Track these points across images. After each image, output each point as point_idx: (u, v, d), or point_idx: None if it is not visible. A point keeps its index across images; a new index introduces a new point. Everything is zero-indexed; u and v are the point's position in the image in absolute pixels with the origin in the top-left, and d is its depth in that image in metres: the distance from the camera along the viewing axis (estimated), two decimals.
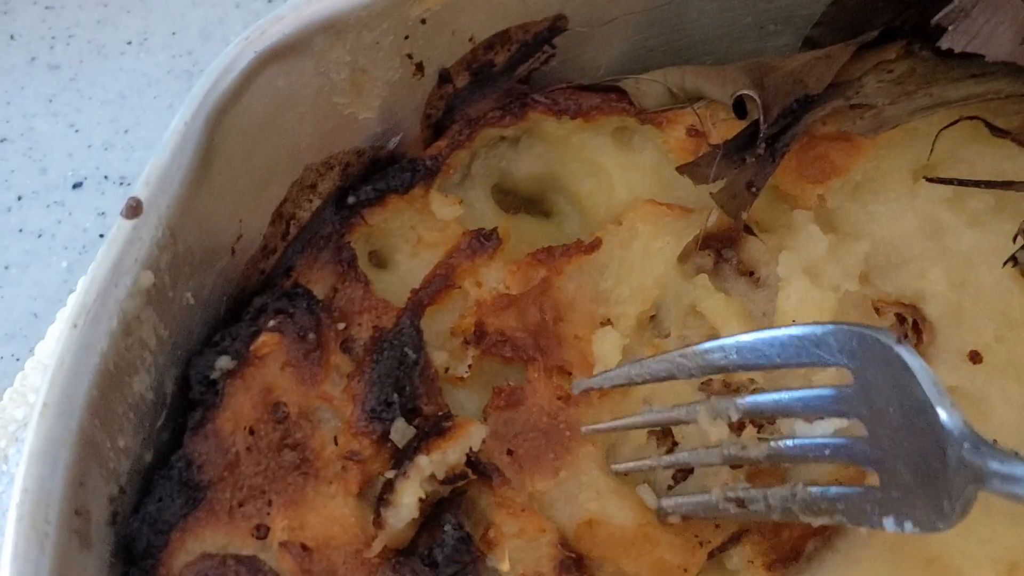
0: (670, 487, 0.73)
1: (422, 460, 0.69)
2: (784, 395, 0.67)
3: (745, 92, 0.77)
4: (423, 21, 0.74)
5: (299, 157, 0.74)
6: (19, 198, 1.04)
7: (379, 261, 0.79)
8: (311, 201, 0.76)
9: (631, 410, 0.74)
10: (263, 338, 0.72)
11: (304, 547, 0.68)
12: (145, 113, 1.07)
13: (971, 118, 0.78)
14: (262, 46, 0.68)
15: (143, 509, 0.68)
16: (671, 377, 0.70)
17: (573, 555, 0.69)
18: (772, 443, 0.68)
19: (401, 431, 0.71)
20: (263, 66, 0.69)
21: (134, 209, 0.66)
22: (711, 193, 0.76)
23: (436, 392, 0.73)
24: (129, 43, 1.10)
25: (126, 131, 1.07)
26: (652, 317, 0.78)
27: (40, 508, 0.60)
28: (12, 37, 1.10)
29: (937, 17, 0.73)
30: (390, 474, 0.69)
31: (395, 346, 0.73)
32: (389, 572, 0.68)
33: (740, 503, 0.69)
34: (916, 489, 0.62)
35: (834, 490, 0.67)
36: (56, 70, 1.09)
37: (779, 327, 0.67)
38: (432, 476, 0.69)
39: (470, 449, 0.70)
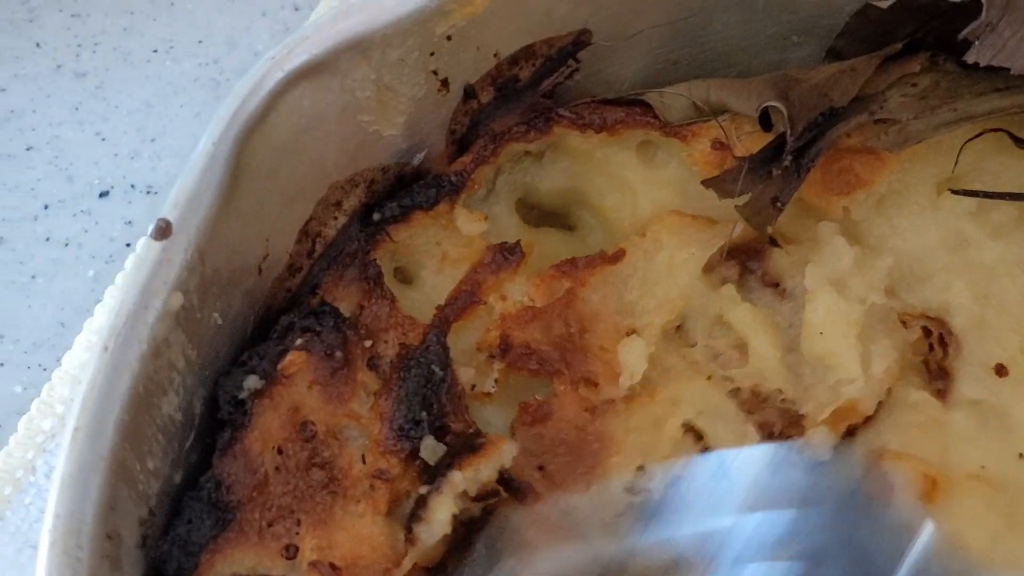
0: None
1: (456, 476, 0.69)
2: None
3: (772, 104, 0.77)
4: (448, 38, 0.73)
5: (324, 175, 0.74)
6: (45, 207, 1.04)
7: (404, 277, 0.79)
8: (336, 218, 0.76)
9: (659, 417, 0.73)
10: (290, 357, 0.72)
11: (333, 566, 0.68)
12: (171, 122, 1.07)
13: (995, 130, 0.78)
14: (289, 66, 0.68)
15: (173, 531, 0.68)
16: None
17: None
18: None
19: (432, 448, 0.71)
20: (290, 86, 0.68)
21: (163, 231, 0.65)
22: (736, 206, 0.75)
23: (463, 410, 0.73)
24: (155, 51, 1.10)
25: (152, 140, 1.07)
26: (678, 327, 0.78)
27: (72, 534, 0.60)
28: (38, 45, 1.10)
29: (964, 32, 0.73)
30: (423, 490, 0.69)
31: (422, 364, 0.73)
32: None
33: None
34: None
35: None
36: (82, 78, 1.09)
37: None
38: (464, 493, 0.69)
39: (502, 466, 0.70)
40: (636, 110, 0.81)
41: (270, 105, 0.68)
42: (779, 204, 0.75)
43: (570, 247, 0.81)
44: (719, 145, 0.79)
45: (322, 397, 0.72)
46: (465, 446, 0.71)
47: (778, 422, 0.73)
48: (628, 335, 0.75)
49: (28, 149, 1.06)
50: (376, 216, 0.77)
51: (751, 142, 0.78)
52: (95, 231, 1.03)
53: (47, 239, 1.03)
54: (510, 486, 0.71)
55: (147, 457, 0.66)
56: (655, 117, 0.80)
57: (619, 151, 0.81)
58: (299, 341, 0.72)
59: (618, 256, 0.77)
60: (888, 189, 0.79)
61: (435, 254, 0.78)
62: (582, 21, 0.78)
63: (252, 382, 0.71)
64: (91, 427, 0.62)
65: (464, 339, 0.76)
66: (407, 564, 0.68)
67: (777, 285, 0.78)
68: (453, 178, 0.78)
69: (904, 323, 0.77)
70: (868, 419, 0.74)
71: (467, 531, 0.70)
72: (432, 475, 0.70)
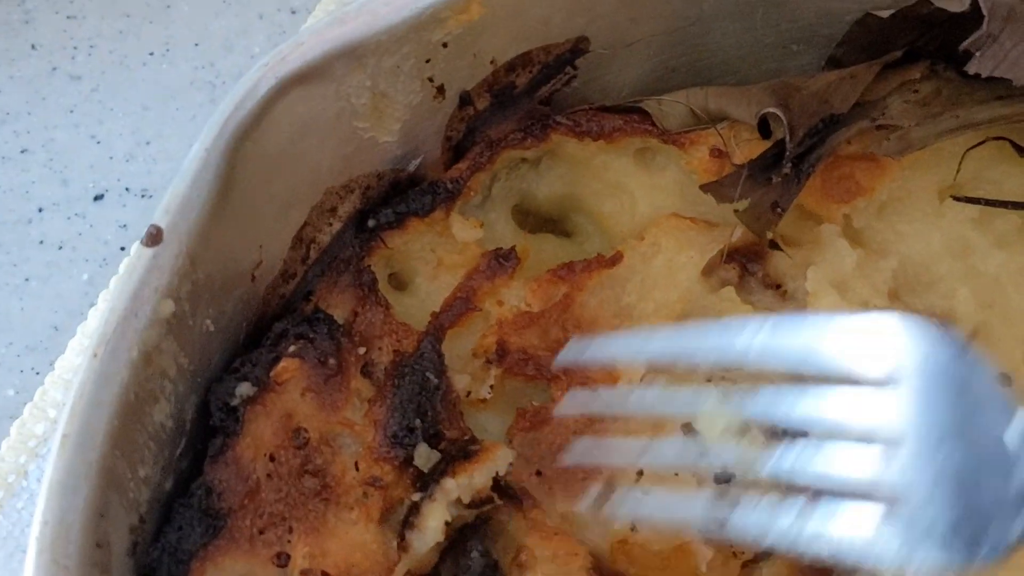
0: None
1: (449, 483, 0.68)
2: (810, 396, 0.58)
3: (771, 111, 0.76)
4: (444, 44, 0.73)
5: (319, 181, 0.74)
6: (40, 210, 1.04)
7: (399, 284, 0.79)
8: (331, 225, 0.76)
9: (660, 422, 0.72)
10: (283, 364, 0.71)
11: (325, 575, 0.67)
12: (167, 125, 1.07)
13: (998, 139, 0.78)
14: (283, 72, 0.68)
15: (163, 538, 0.67)
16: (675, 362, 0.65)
17: None
18: (781, 455, 0.59)
19: (426, 455, 0.70)
20: (283, 92, 0.68)
21: (154, 237, 0.65)
22: (736, 211, 0.75)
23: (458, 417, 0.73)
24: (151, 54, 1.10)
25: (148, 143, 1.06)
26: None
27: (60, 541, 0.60)
28: (33, 47, 1.10)
29: (966, 43, 0.72)
30: (416, 497, 0.69)
31: (416, 371, 0.72)
32: None
33: (723, 525, 0.62)
34: (949, 520, 0.54)
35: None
36: (78, 80, 1.09)
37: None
38: (458, 500, 0.68)
39: (496, 473, 0.69)
40: (634, 117, 0.80)
41: (263, 111, 0.68)
42: (779, 210, 0.74)
43: (567, 253, 0.81)
44: (717, 153, 0.78)
45: (315, 404, 0.71)
46: (459, 453, 0.70)
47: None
48: None
49: (23, 152, 1.06)
50: (371, 222, 0.77)
51: (749, 150, 0.78)
52: (89, 234, 1.03)
53: (41, 242, 1.03)
54: (506, 493, 0.70)
55: (138, 464, 0.65)
56: (653, 124, 0.80)
57: (617, 158, 0.80)
58: (292, 348, 0.72)
59: (616, 259, 0.77)
60: (889, 196, 0.78)
61: (430, 260, 0.78)
62: (580, 29, 0.77)
63: (244, 389, 0.71)
64: (80, 434, 0.62)
65: (459, 345, 0.75)
66: (400, 572, 0.68)
67: (778, 287, 0.77)
68: (449, 185, 0.78)
69: None
70: None
71: (462, 537, 0.70)
72: (425, 482, 0.69)
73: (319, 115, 0.71)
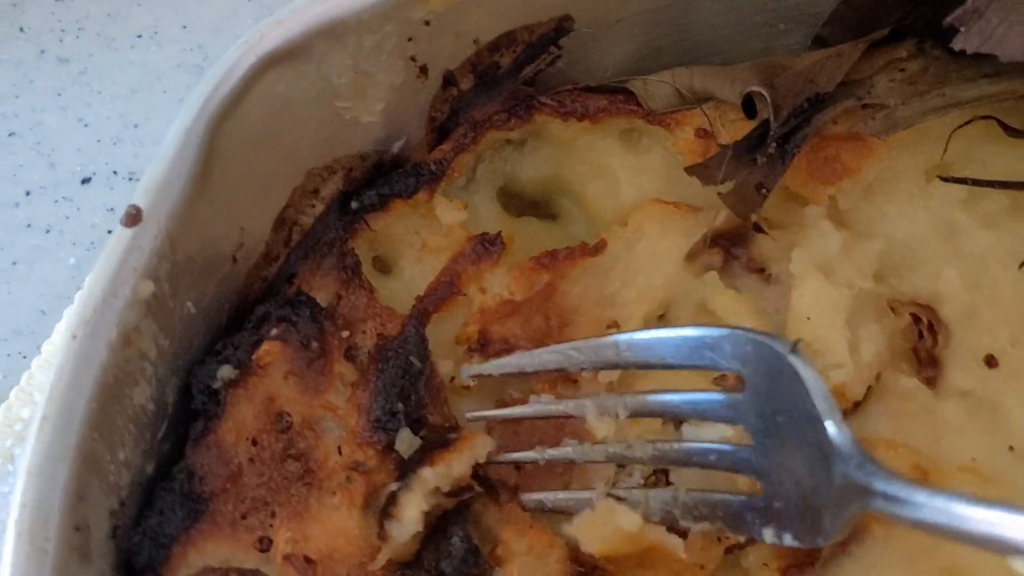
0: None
1: (426, 472, 0.68)
2: (673, 396, 0.67)
3: (755, 89, 0.75)
4: (426, 23, 0.72)
5: (301, 162, 0.73)
6: (27, 193, 1.03)
7: (383, 267, 0.78)
8: (314, 206, 0.75)
9: None
10: (265, 347, 0.71)
11: (308, 560, 0.67)
12: (155, 108, 1.06)
13: (985, 118, 0.77)
14: (262, 51, 0.67)
15: (144, 522, 0.67)
16: (562, 369, 0.70)
17: (583, 570, 0.68)
18: (657, 445, 0.68)
19: (407, 442, 0.70)
20: (263, 71, 0.67)
21: (133, 217, 0.65)
22: (720, 194, 0.75)
23: (442, 402, 0.72)
24: (139, 36, 1.09)
25: (136, 126, 1.06)
26: (661, 316, 0.77)
27: (39, 525, 0.59)
28: (21, 30, 1.09)
29: (950, 18, 0.71)
30: (394, 486, 0.68)
31: (400, 355, 0.72)
32: None
33: (619, 501, 0.68)
34: (798, 503, 0.62)
35: (715, 496, 0.67)
36: (65, 63, 1.08)
37: (676, 328, 0.67)
38: (437, 489, 0.68)
39: (476, 462, 0.69)
40: (619, 98, 0.80)
41: (243, 91, 0.67)
42: (764, 191, 0.74)
43: (552, 236, 0.80)
44: (703, 133, 0.78)
45: (298, 388, 0.71)
46: (439, 440, 0.69)
47: None
48: (609, 327, 0.74)
49: (10, 135, 1.06)
50: (354, 204, 0.76)
51: (736, 130, 0.77)
52: (77, 218, 1.02)
53: (28, 225, 1.02)
54: (485, 482, 0.69)
55: (118, 447, 0.65)
56: (638, 105, 0.79)
57: (601, 138, 0.80)
58: (275, 331, 0.71)
59: (599, 247, 0.76)
60: (876, 177, 0.78)
61: (414, 243, 0.77)
62: (563, 7, 0.77)
63: (226, 372, 0.70)
64: (59, 417, 0.61)
65: (443, 331, 0.75)
66: (381, 560, 0.67)
67: (762, 271, 0.77)
68: (433, 166, 0.77)
69: (893, 309, 0.76)
70: (858, 405, 0.73)
71: (444, 523, 0.69)
72: (404, 471, 0.69)
73: (299, 95, 0.70)
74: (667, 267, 0.76)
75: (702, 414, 0.67)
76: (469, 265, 0.75)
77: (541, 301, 0.75)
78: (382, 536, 0.67)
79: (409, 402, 0.71)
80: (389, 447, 0.70)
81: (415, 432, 0.70)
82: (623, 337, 0.68)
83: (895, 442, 0.72)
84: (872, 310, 0.75)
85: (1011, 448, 0.72)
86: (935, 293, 0.76)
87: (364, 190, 0.77)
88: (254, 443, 0.69)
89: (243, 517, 0.68)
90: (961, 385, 0.74)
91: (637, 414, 0.68)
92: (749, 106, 0.77)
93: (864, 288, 0.74)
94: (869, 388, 0.73)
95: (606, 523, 0.67)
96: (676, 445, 0.68)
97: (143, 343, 0.65)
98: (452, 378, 0.74)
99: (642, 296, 0.75)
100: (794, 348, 0.62)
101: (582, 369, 0.70)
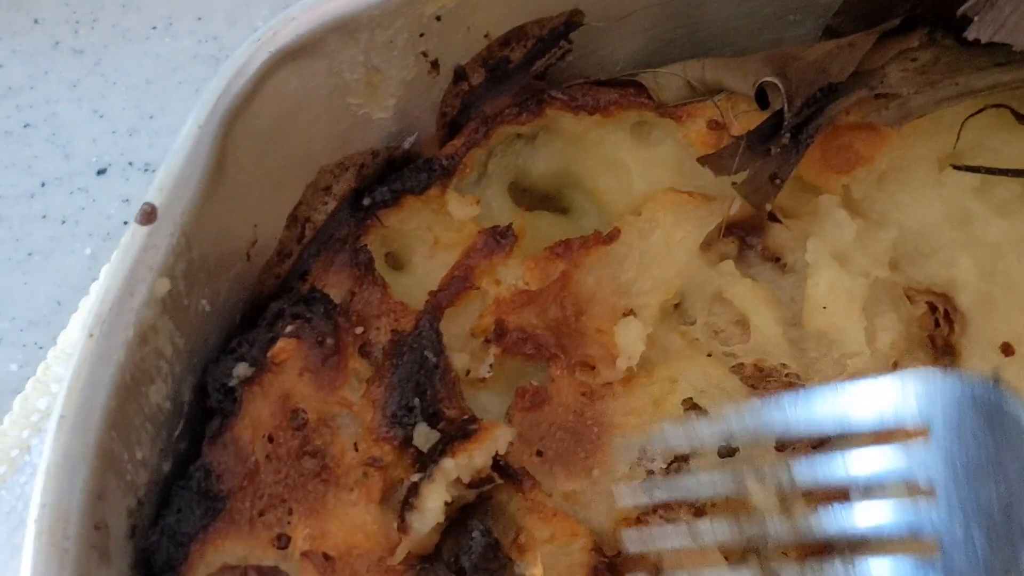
0: None
1: (447, 463, 0.67)
2: (847, 458, 0.61)
3: (769, 80, 0.75)
4: (438, 18, 0.72)
5: (313, 159, 0.73)
6: (42, 184, 1.03)
7: (395, 263, 0.78)
8: (326, 203, 0.75)
9: (658, 397, 0.72)
10: (280, 344, 0.71)
11: (326, 556, 0.67)
12: (170, 99, 1.06)
13: (997, 106, 0.77)
14: (275, 47, 0.67)
15: (162, 521, 0.67)
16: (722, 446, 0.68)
17: (606, 559, 0.68)
18: (823, 520, 0.63)
19: (425, 435, 0.70)
20: (275, 67, 0.67)
21: (149, 215, 0.64)
22: (733, 184, 0.74)
23: (458, 396, 0.72)
24: (154, 28, 1.09)
25: (151, 117, 1.06)
26: (677, 306, 0.77)
27: (59, 524, 0.59)
28: (36, 21, 1.09)
29: (963, 8, 0.71)
30: (415, 477, 0.68)
31: (415, 350, 0.72)
32: None
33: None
34: (987, 553, 0.57)
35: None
36: (80, 55, 1.08)
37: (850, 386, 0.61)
38: (458, 480, 0.68)
39: (496, 452, 0.69)
40: (630, 91, 0.79)
41: (256, 87, 0.67)
42: (777, 181, 0.74)
43: (564, 231, 0.80)
44: (715, 125, 0.78)
45: (313, 384, 0.70)
46: (458, 432, 0.69)
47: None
48: (625, 316, 0.74)
49: (25, 126, 1.06)
50: (366, 201, 0.76)
51: (747, 121, 0.77)
52: (92, 209, 1.02)
53: (44, 216, 1.02)
54: (506, 472, 0.69)
55: (135, 446, 0.65)
56: (649, 98, 0.79)
57: (613, 132, 0.79)
58: (289, 328, 0.71)
59: (613, 236, 0.76)
60: (889, 165, 0.78)
61: (427, 239, 0.77)
62: (573, 1, 0.76)
63: (241, 370, 0.70)
64: (77, 416, 0.61)
65: (458, 324, 0.75)
66: (401, 553, 0.67)
67: (778, 260, 0.77)
68: (444, 162, 0.77)
69: (909, 298, 0.76)
70: None
71: (463, 517, 0.69)
72: (424, 463, 0.69)
73: (312, 91, 0.70)
74: (682, 256, 0.76)
75: (882, 480, 0.61)
76: (482, 259, 0.75)
77: (556, 290, 0.75)
78: (402, 529, 0.67)
79: (425, 397, 0.71)
80: (406, 442, 0.70)
81: (432, 426, 0.70)
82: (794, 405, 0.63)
83: None
84: (888, 299, 0.75)
85: None
86: (950, 281, 0.76)
87: (376, 186, 0.77)
88: (270, 440, 0.69)
89: (261, 514, 0.68)
90: (978, 373, 0.74)
91: (807, 485, 0.63)
92: (762, 97, 0.77)
93: (880, 277, 0.75)
94: None
95: None
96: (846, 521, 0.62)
97: (159, 341, 0.65)
98: (467, 372, 0.74)
99: (658, 285, 0.75)
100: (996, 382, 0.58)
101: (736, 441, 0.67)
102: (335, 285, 0.74)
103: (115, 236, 1.00)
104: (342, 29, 0.69)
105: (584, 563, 0.68)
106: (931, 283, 0.76)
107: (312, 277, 0.75)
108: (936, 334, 0.75)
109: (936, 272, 0.76)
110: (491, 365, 0.74)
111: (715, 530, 0.66)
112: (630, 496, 0.69)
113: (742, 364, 0.74)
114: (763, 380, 0.74)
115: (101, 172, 1.03)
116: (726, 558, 0.68)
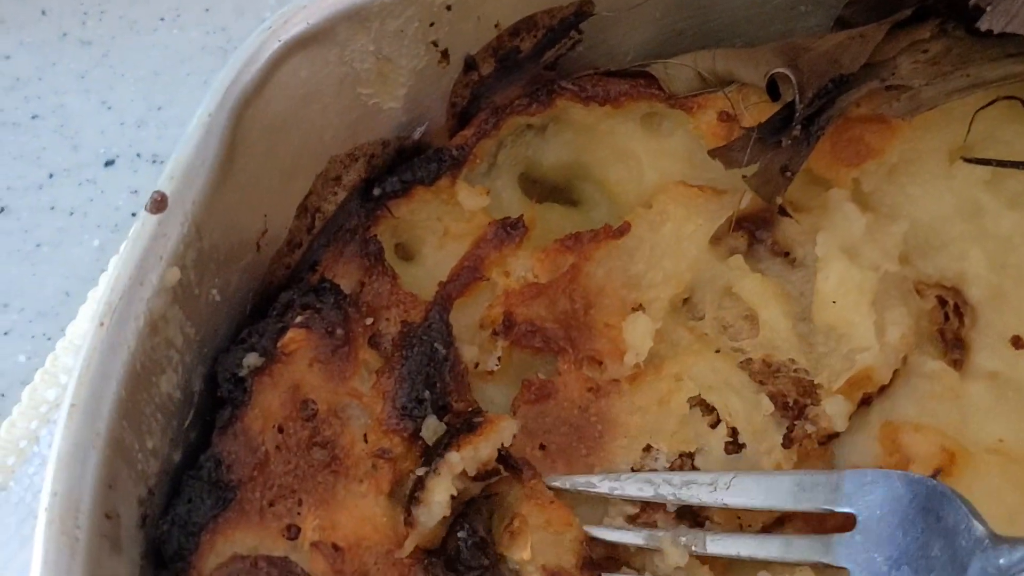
0: None
1: (453, 457, 0.67)
2: (769, 541, 0.67)
3: (780, 71, 0.75)
4: (448, 7, 0.72)
5: (323, 149, 0.73)
6: (51, 175, 1.03)
7: (405, 254, 0.78)
8: (336, 194, 0.75)
9: (665, 394, 0.72)
10: (290, 334, 0.70)
11: (336, 547, 0.67)
12: (178, 90, 1.06)
13: (1008, 98, 0.77)
14: (285, 36, 0.67)
15: (172, 511, 0.67)
16: (642, 498, 0.69)
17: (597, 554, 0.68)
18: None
19: (432, 428, 0.69)
20: (286, 56, 0.67)
21: (159, 204, 0.64)
22: (744, 177, 0.74)
23: (466, 388, 0.72)
24: (162, 19, 1.09)
25: (159, 108, 1.06)
26: (686, 300, 0.76)
27: (70, 512, 0.59)
28: (44, 12, 1.09)
29: None
30: (421, 471, 0.68)
31: (425, 341, 0.72)
32: (421, 572, 0.67)
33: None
34: None
35: None
36: (88, 46, 1.08)
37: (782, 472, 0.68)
38: (463, 473, 0.68)
39: (502, 445, 0.69)
40: (640, 82, 0.79)
41: (266, 76, 0.67)
42: (788, 174, 0.73)
43: (574, 222, 0.80)
44: (726, 116, 0.77)
45: (323, 375, 0.70)
46: (464, 426, 0.69)
47: (792, 392, 0.72)
48: (634, 310, 0.74)
49: (33, 117, 1.06)
50: (376, 191, 0.76)
51: (758, 112, 0.77)
52: (100, 200, 1.02)
53: (52, 208, 1.02)
54: (509, 464, 0.69)
55: (146, 436, 0.65)
56: (660, 89, 0.79)
57: (623, 123, 0.79)
58: (299, 318, 0.71)
59: (623, 229, 0.76)
60: (900, 158, 0.77)
61: (436, 230, 0.77)
62: None
63: (252, 360, 0.70)
64: (87, 405, 0.61)
65: (467, 316, 0.74)
66: (409, 546, 0.67)
67: (787, 254, 0.77)
68: (454, 152, 0.77)
69: (919, 292, 0.76)
70: (884, 388, 0.73)
71: (468, 511, 0.69)
72: (430, 456, 0.68)
73: (323, 80, 0.70)
74: (692, 250, 0.75)
75: (800, 559, 0.66)
76: (492, 250, 0.75)
77: (566, 283, 0.74)
78: (409, 523, 0.67)
79: (435, 389, 0.71)
80: (415, 434, 0.69)
81: (440, 418, 0.70)
82: (726, 476, 0.68)
83: (922, 425, 0.72)
84: (898, 292, 0.75)
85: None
86: (961, 274, 0.76)
87: (386, 177, 0.77)
88: (280, 431, 0.69)
89: (271, 505, 0.68)
90: (988, 367, 0.74)
91: (721, 556, 0.68)
92: (773, 89, 0.77)
93: (889, 270, 0.74)
94: (895, 371, 0.73)
95: None
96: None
97: (170, 331, 0.65)
98: (476, 364, 0.73)
99: (668, 279, 0.75)
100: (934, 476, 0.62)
101: (667, 500, 0.69)
102: (345, 276, 0.74)
103: (123, 227, 1.00)
104: (353, 17, 0.69)
105: (575, 552, 0.68)
106: (941, 276, 0.76)
107: (322, 267, 0.75)
108: (946, 328, 0.75)
109: (946, 265, 0.76)
110: (499, 358, 0.74)
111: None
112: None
113: (751, 359, 0.73)
114: (771, 376, 0.73)
115: (109, 163, 1.03)
116: None
